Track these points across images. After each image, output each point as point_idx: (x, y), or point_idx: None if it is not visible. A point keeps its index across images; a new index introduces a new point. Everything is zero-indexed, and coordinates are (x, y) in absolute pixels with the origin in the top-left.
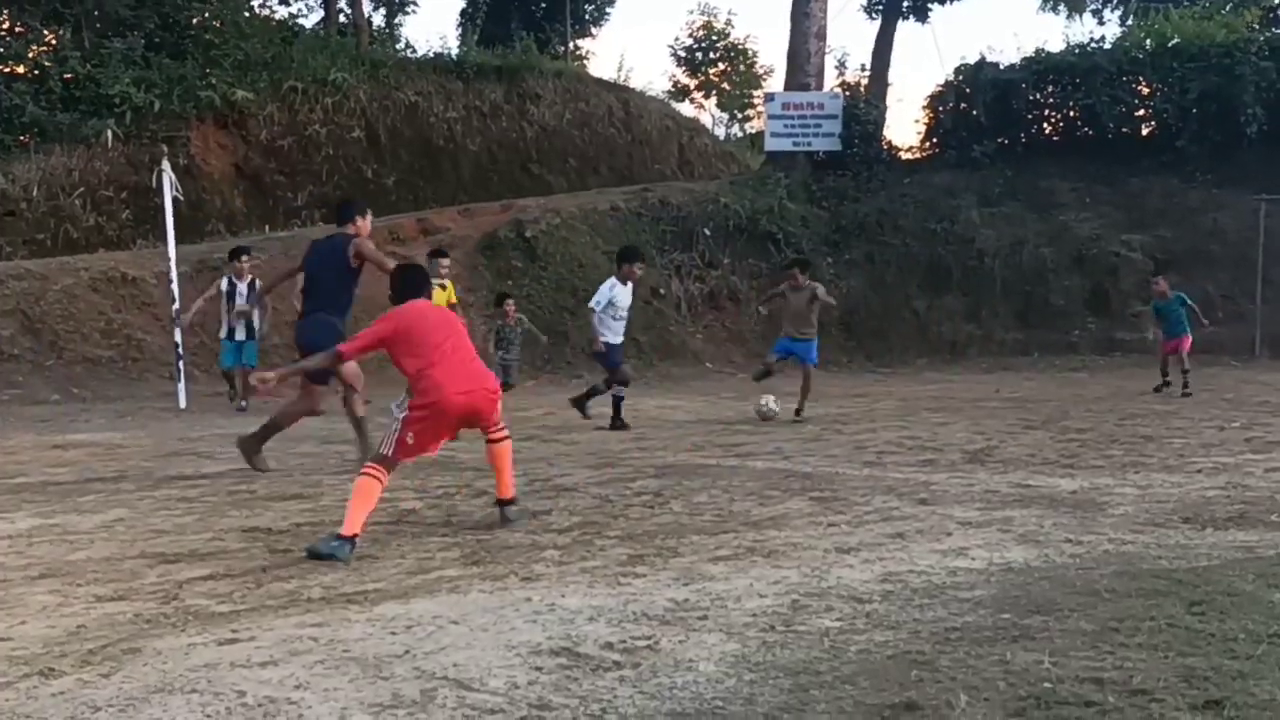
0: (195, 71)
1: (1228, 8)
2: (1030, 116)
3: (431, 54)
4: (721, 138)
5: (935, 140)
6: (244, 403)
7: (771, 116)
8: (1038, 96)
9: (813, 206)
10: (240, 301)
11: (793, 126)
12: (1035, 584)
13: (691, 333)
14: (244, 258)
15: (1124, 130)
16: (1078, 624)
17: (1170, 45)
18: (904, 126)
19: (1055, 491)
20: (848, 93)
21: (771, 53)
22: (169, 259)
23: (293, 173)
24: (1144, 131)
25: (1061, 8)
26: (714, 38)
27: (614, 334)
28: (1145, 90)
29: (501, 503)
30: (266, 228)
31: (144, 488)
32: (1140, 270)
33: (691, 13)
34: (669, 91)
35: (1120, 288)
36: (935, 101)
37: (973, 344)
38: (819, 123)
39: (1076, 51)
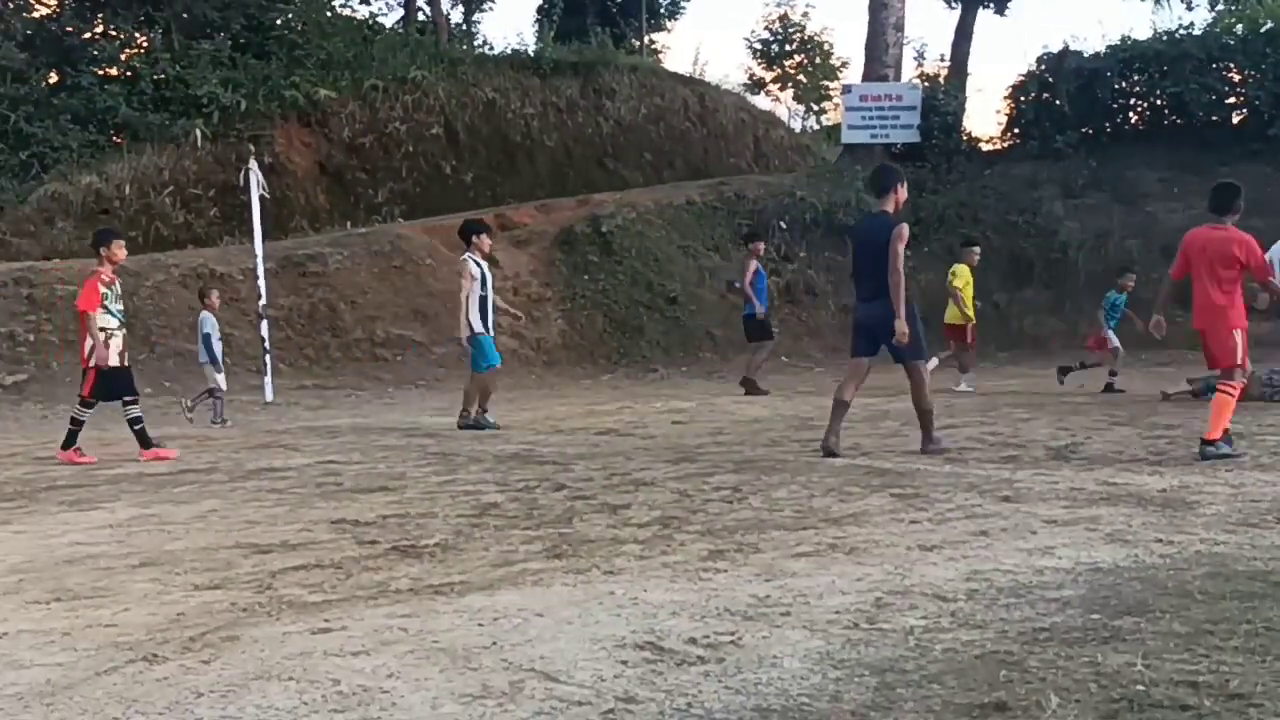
0: (280, 71)
1: None
2: (1115, 105)
3: (509, 50)
4: (797, 130)
5: (1017, 131)
6: (490, 417)
7: (849, 108)
8: (1123, 85)
9: None
10: (489, 287)
11: (870, 118)
12: (1125, 584)
13: None
14: (485, 235)
15: (1214, 118)
16: (1170, 626)
17: (1263, 30)
18: (984, 117)
19: (1143, 490)
20: (926, 84)
21: (849, 44)
22: (256, 255)
23: (374, 170)
24: (1235, 119)
25: None
26: (790, 29)
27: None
28: (1236, 77)
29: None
30: (349, 224)
31: (235, 479)
32: None
33: (768, 4)
34: (744, 84)
35: None
36: (1017, 91)
37: (1055, 338)
38: (897, 114)
39: (1164, 38)
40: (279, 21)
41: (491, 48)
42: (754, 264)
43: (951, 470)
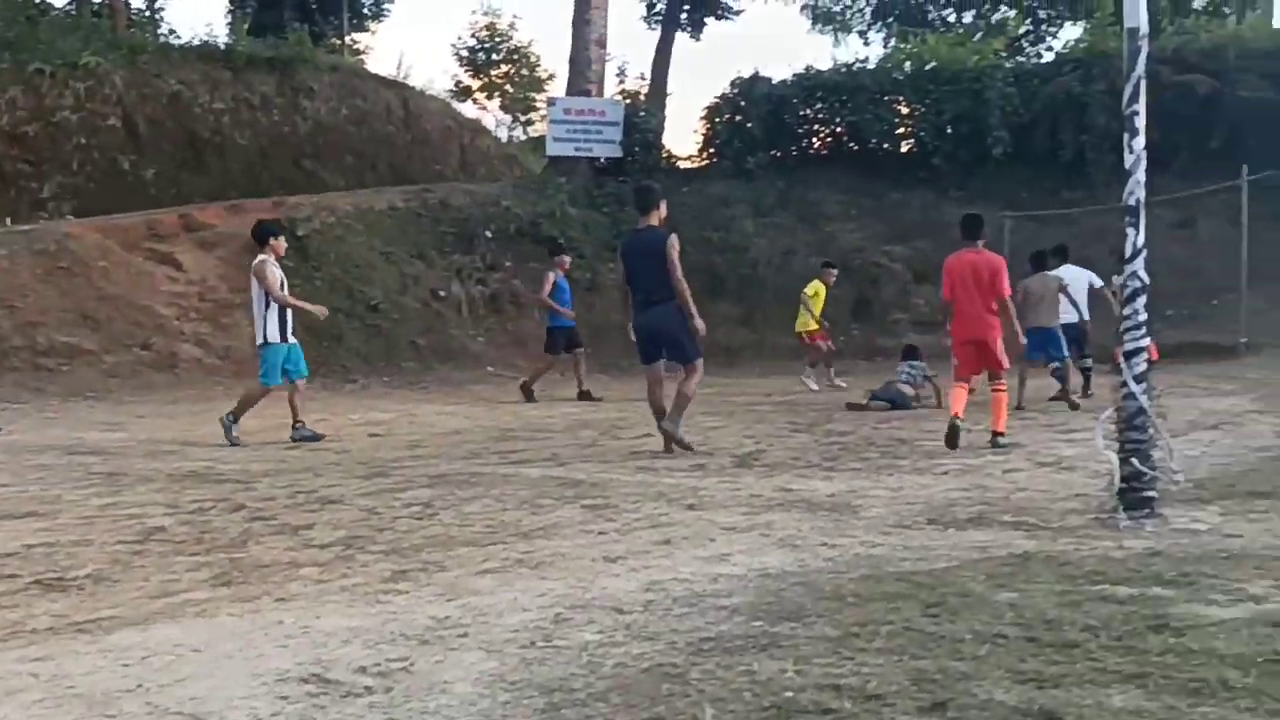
0: None
1: (978, 36)
2: (801, 131)
3: (197, 41)
4: (504, 140)
5: (712, 151)
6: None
7: (553, 121)
8: (808, 112)
9: (594, 212)
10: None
11: (574, 132)
12: (789, 589)
13: (473, 336)
14: (281, 237)
15: (885, 147)
16: (823, 630)
17: (927, 68)
18: (683, 136)
19: (815, 495)
20: (628, 100)
21: (554, 57)
22: None
23: (39, 161)
24: (904, 149)
25: (830, 28)
26: (497, 39)
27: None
28: (905, 110)
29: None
30: (8, 220)
31: None
32: (899, 280)
33: (475, 13)
34: (451, 91)
35: (882, 297)
36: (712, 113)
37: (747, 349)
38: (600, 129)
39: (843, 70)
40: None
41: (178, 37)
42: (553, 275)
43: (642, 479)
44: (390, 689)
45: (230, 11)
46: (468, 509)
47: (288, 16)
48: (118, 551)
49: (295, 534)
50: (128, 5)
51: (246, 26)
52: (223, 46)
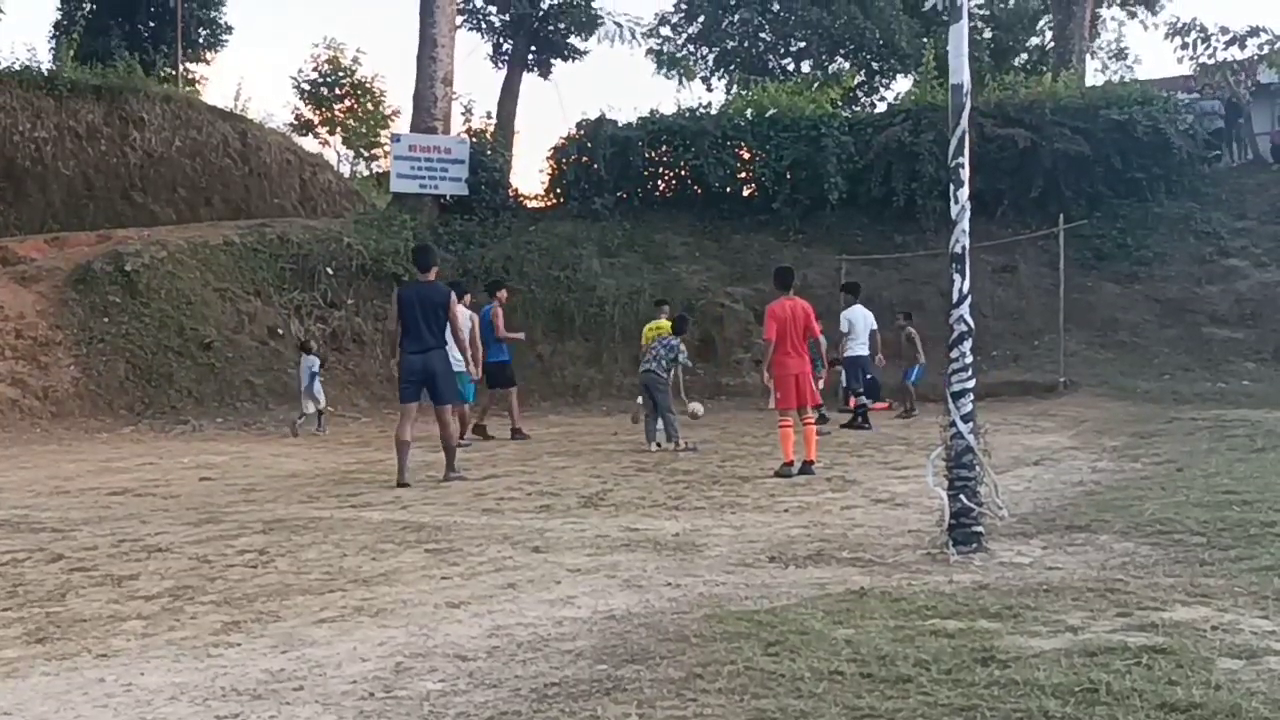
0: None
1: (815, 86)
2: (646, 173)
3: (17, 66)
4: (347, 175)
5: (559, 191)
6: None
7: (398, 157)
8: (653, 155)
9: (440, 250)
10: None
11: (419, 169)
12: (633, 631)
13: None
14: None
15: (728, 190)
16: (666, 671)
17: (767, 115)
18: (530, 176)
19: (660, 534)
20: (474, 139)
21: (400, 93)
22: None
23: None
24: (745, 193)
25: (674, 73)
26: (340, 73)
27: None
28: (746, 155)
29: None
30: None
31: None
32: (741, 320)
33: (317, 46)
34: (291, 124)
35: (725, 336)
36: (559, 153)
37: (594, 388)
38: (445, 166)
39: (687, 115)
40: None
41: None
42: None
43: (487, 521)
44: None
45: (54, 37)
46: (305, 555)
47: (117, 44)
48: None
49: (119, 585)
50: None
51: (72, 53)
52: (46, 72)
